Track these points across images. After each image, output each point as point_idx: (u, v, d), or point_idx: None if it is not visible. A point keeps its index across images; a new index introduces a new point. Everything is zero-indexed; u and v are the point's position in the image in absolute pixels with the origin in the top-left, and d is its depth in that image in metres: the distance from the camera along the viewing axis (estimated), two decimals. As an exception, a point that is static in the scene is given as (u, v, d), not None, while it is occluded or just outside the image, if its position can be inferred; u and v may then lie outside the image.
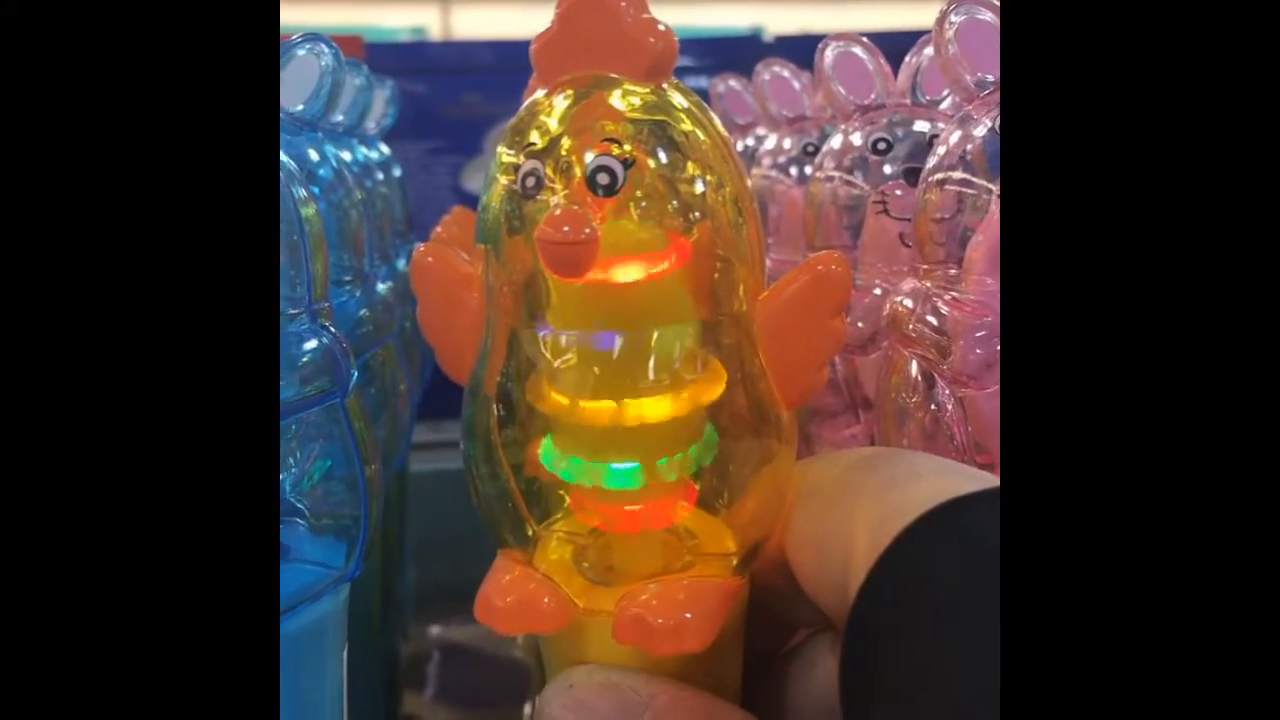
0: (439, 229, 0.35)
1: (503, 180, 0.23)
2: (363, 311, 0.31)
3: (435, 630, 0.52)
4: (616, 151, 0.22)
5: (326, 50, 0.30)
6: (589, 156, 0.21)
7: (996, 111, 0.29)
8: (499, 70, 0.73)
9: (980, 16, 0.29)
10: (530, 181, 0.22)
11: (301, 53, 0.30)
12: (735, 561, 0.23)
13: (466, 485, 0.24)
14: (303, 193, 0.26)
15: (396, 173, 0.44)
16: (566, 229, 0.20)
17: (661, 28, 0.22)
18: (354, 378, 0.26)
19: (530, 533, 0.24)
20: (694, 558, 0.24)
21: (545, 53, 0.23)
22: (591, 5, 0.22)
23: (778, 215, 0.45)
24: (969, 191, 0.29)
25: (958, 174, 0.29)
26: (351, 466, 0.27)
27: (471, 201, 0.73)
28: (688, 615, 0.22)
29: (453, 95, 0.74)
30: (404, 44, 1.28)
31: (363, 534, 0.26)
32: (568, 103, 0.23)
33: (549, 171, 0.22)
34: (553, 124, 0.22)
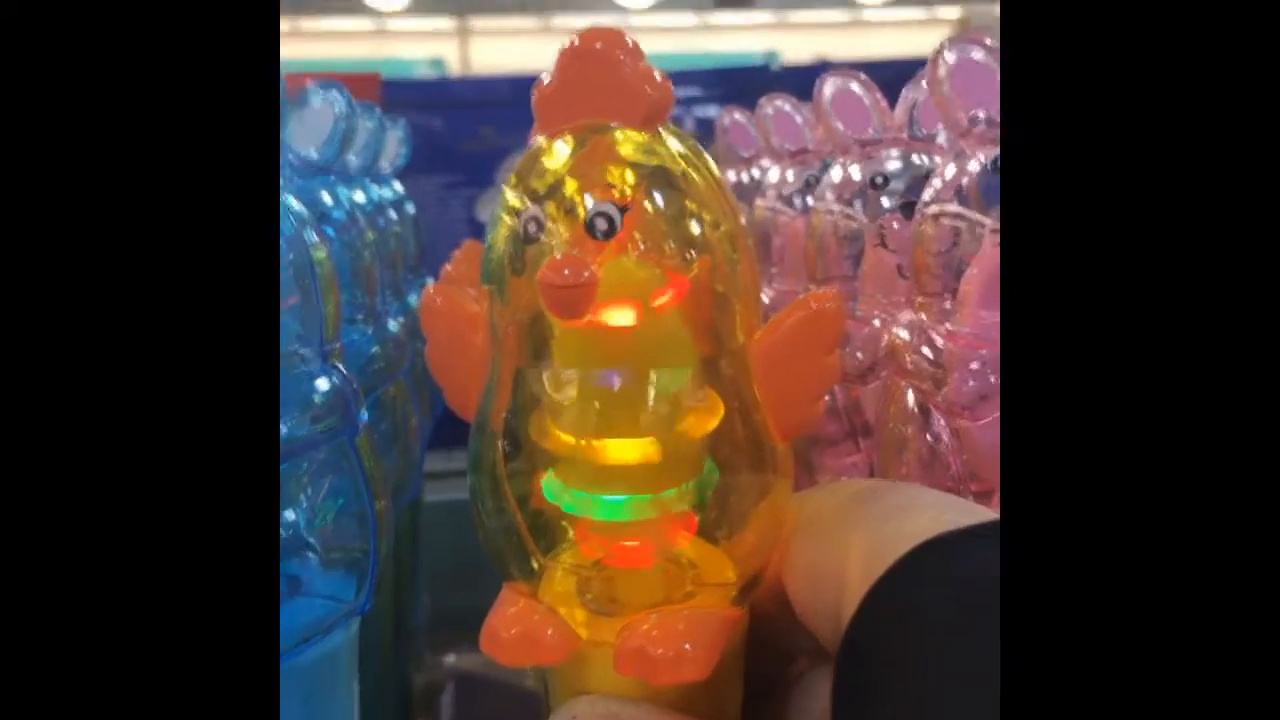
0: (449, 266, 0.36)
1: (507, 220, 0.23)
2: (374, 348, 0.32)
3: (448, 659, 0.53)
4: (614, 197, 0.22)
5: (340, 97, 0.31)
6: (588, 202, 0.22)
7: (990, 147, 0.30)
8: (513, 105, 0.74)
9: (973, 55, 0.30)
10: (532, 227, 0.23)
11: (316, 100, 0.31)
12: (735, 591, 0.24)
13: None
14: (314, 237, 0.27)
15: (409, 210, 0.45)
16: (566, 273, 0.21)
17: (658, 76, 0.23)
18: (364, 416, 0.27)
19: (535, 565, 0.25)
20: (695, 588, 0.24)
21: (546, 102, 0.24)
22: (589, 56, 0.23)
23: (781, 246, 0.46)
24: (964, 225, 0.30)
25: (953, 208, 0.30)
26: (362, 502, 0.27)
27: (485, 232, 0.74)
28: (687, 646, 0.22)
29: (468, 129, 0.75)
30: (420, 80, 1.29)
31: (372, 568, 0.27)
32: (568, 148, 0.23)
33: (551, 214, 0.23)
34: (553, 169, 0.23)
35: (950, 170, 0.30)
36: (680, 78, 0.81)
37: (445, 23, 3.32)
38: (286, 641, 0.26)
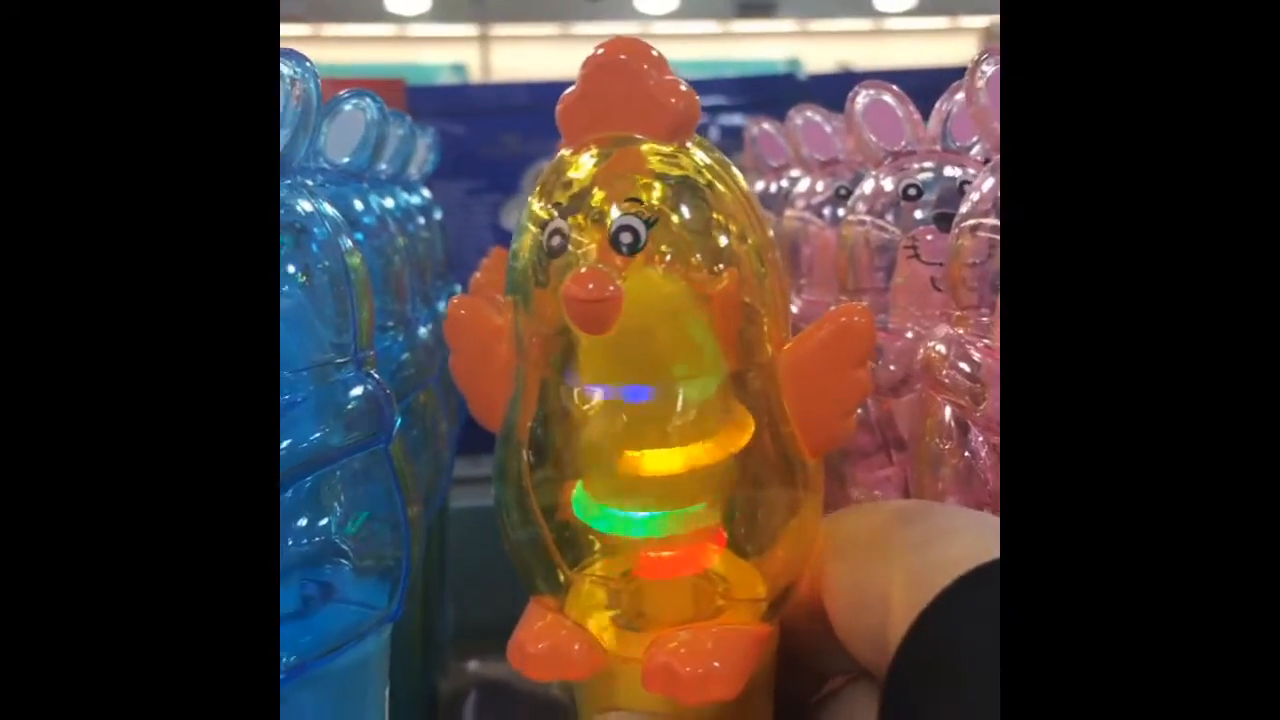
0: (479, 275, 0.36)
1: (533, 231, 0.23)
2: (405, 355, 0.32)
3: (473, 666, 0.53)
4: (639, 210, 0.22)
5: (371, 104, 0.31)
6: (614, 214, 0.22)
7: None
8: (537, 111, 0.74)
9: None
10: (556, 240, 0.23)
11: (348, 107, 0.31)
12: (765, 607, 0.24)
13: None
14: (349, 243, 0.27)
15: (437, 216, 0.45)
16: (590, 287, 0.21)
17: (684, 88, 0.23)
18: (398, 423, 0.27)
19: (562, 579, 0.25)
20: (725, 603, 0.24)
21: (570, 114, 0.24)
22: (614, 68, 0.23)
23: (810, 257, 0.45)
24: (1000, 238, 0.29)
25: (990, 220, 0.30)
26: (395, 509, 0.27)
27: (509, 239, 0.74)
28: (716, 664, 0.22)
29: (491, 136, 0.75)
30: (444, 87, 1.29)
31: (404, 575, 0.27)
32: (593, 161, 0.23)
33: (576, 225, 0.22)
34: (578, 181, 0.23)
35: (988, 183, 0.30)
36: (704, 86, 0.81)
37: (467, 29, 3.33)
38: (319, 648, 0.25)
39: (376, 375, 0.26)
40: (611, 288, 0.21)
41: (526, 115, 0.73)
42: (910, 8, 3.38)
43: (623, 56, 0.23)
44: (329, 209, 0.26)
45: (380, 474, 0.27)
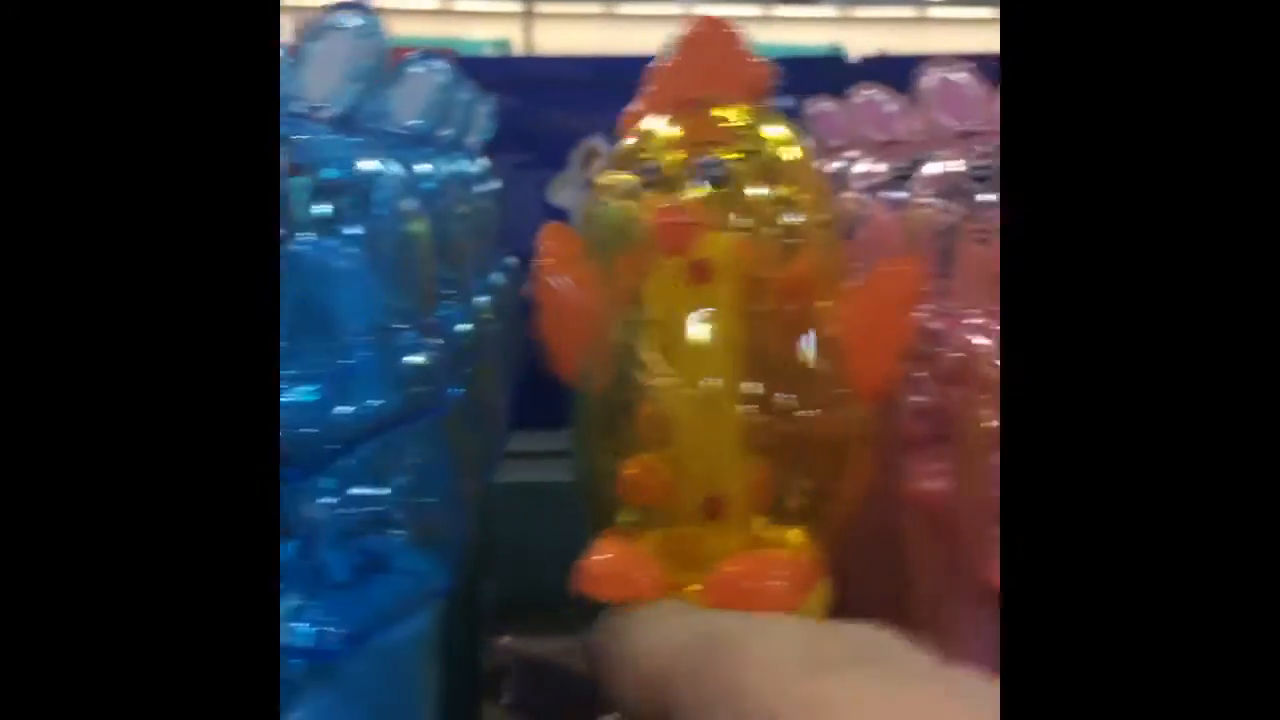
0: (544, 248, 0.36)
1: (614, 203, 0.25)
2: (463, 326, 0.31)
3: (513, 642, 0.53)
4: (724, 154, 0.25)
5: (443, 68, 0.30)
6: (701, 159, 0.25)
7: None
8: (585, 85, 0.73)
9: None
10: (647, 180, 0.25)
11: (419, 70, 0.30)
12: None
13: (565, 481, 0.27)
14: (413, 205, 0.26)
15: (493, 186, 0.44)
16: (674, 214, 0.24)
17: (759, 58, 0.26)
18: (455, 392, 0.27)
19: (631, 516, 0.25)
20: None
21: (667, 76, 0.26)
22: (711, 35, 0.26)
23: (867, 239, 0.44)
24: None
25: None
26: (449, 480, 0.27)
27: (557, 216, 0.74)
28: (777, 580, 0.24)
29: (539, 110, 0.74)
30: (493, 59, 1.30)
31: (458, 547, 0.27)
32: (680, 120, 0.26)
33: (664, 172, 0.25)
34: (667, 136, 0.25)
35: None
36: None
37: (512, 5, 3.33)
38: (370, 620, 0.25)
39: (437, 341, 0.26)
40: (692, 215, 0.24)
41: (575, 89, 0.73)
42: (955, -5, 3.34)
43: (712, 28, 0.26)
44: (396, 169, 0.26)
45: (435, 444, 0.27)
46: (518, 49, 3.35)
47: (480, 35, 3.34)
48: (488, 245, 0.40)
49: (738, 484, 0.24)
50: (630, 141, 0.26)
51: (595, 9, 3.30)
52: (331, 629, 0.25)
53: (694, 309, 0.24)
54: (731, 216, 0.24)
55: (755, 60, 0.26)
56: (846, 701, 0.19)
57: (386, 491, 0.26)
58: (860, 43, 3.04)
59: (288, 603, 0.25)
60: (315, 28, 0.25)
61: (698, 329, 0.24)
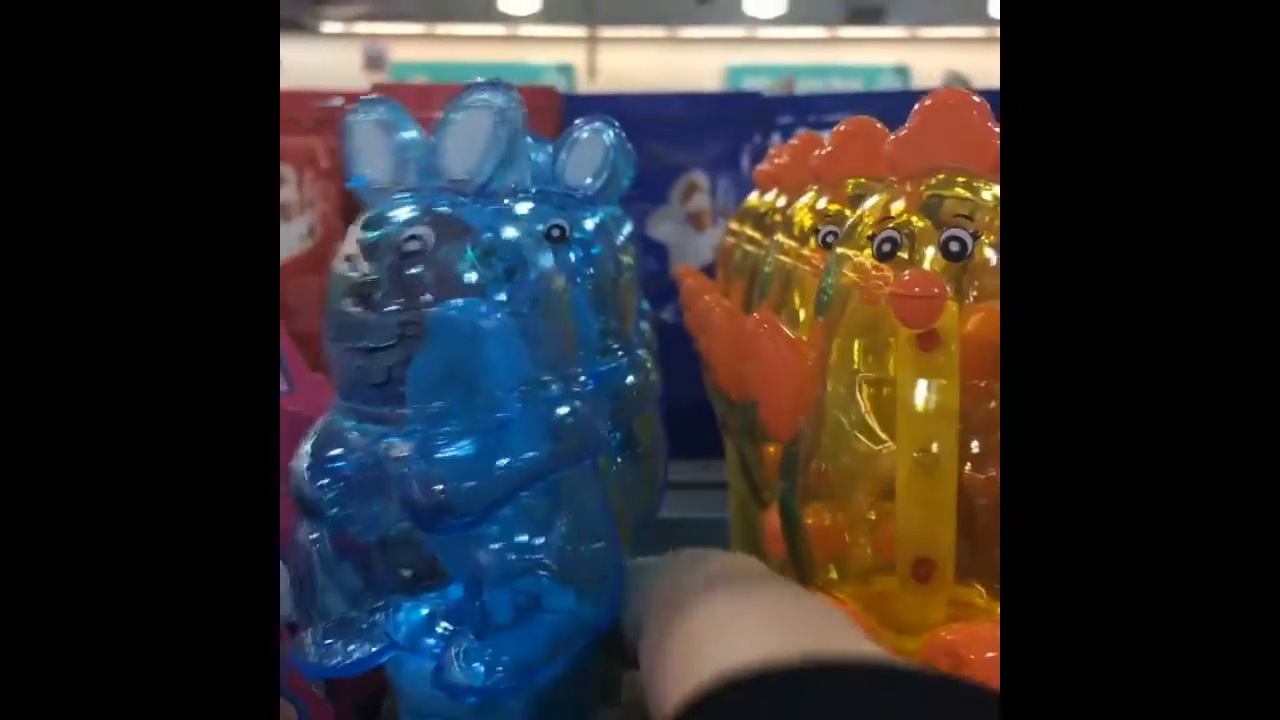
0: (693, 289, 0.36)
1: (848, 274, 0.26)
2: (630, 378, 0.32)
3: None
4: (967, 225, 0.25)
5: (609, 130, 0.31)
6: (943, 231, 0.25)
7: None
8: (685, 122, 0.74)
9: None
10: (886, 246, 0.25)
11: (585, 135, 0.32)
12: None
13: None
14: (552, 264, 0.27)
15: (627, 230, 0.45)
16: (917, 289, 0.23)
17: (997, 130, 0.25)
18: (608, 442, 0.28)
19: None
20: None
21: (903, 147, 0.26)
22: (949, 108, 0.26)
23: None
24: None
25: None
26: (604, 524, 0.28)
27: (656, 250, 0.74)
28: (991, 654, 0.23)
29: (640, 145, 0.75)
30: (597, 95, 1.31)
31: (613, 590, 0.28)
32: (919, 189, 0.26)
33: (904, 242, 0.25)
34: (903, 205, 0.26)
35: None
36: (860, 100, 0.81)
37: (576, 30, 3.36)
38: (535, 658, 0.26)
39: (585, 389, 0.27)
40: (937, 288, 0.23)
41: (675, 127, 0.73)
42: (1025, 15, 3.30)
43: (955, 101, 0.26)
44: (535, 232, 0.27)
45: (590, 490, 0.28)
46: (581, 74, 3.38)
47: (544, 59, 3.38)
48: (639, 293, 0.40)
49: (948, 548, 0.24)
50: (867, 209, 0.26)
51: (658, 33, 3.32)
52: (500, 669, 0.26)
53: (921, 375, 0.24)
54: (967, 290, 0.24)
55: (994, 132, 0.26)
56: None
57: (542, 540, 0.27)
58: (928, 64, 3.03)
59: (457, 644, 0.26)
60: (457, 104, 0.26)
61: (923, 395, 0.24)
